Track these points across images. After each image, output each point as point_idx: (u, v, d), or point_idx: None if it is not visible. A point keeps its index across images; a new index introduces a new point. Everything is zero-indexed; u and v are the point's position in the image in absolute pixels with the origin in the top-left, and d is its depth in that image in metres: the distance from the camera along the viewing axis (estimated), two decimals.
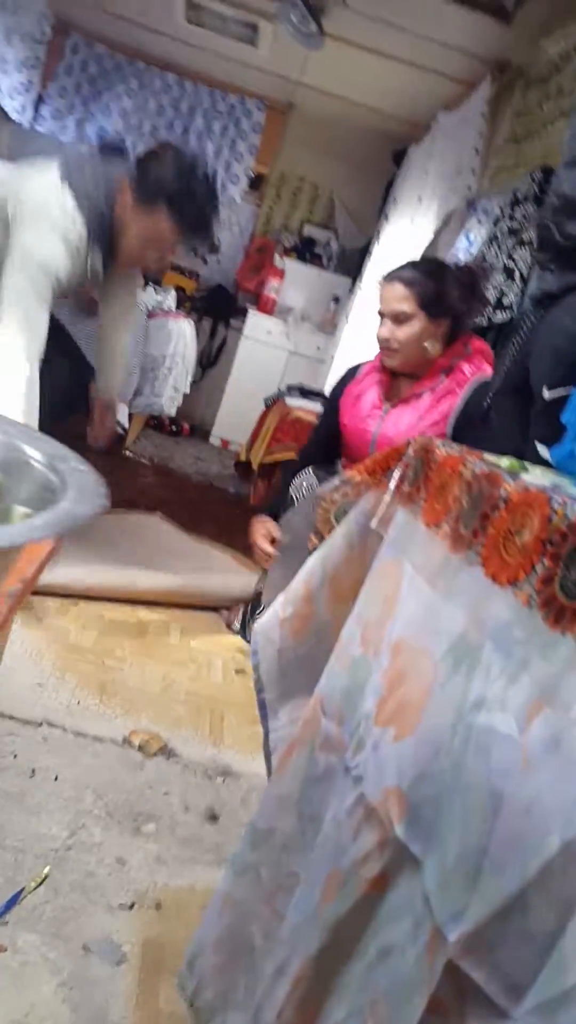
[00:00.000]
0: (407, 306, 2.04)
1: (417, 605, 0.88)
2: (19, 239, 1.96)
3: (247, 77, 5.30)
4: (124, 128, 5.60)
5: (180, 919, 1.38)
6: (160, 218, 2.03)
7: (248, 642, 2.42)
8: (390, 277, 2.09)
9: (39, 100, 5.55)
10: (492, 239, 2.94)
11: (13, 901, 1.30)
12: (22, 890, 1.32)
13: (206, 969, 1.06)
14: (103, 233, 2.06)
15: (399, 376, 2.18)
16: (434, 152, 4.28)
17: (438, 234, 3.72)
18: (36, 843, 1.44)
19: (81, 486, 0.49)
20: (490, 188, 3.45)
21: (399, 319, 2.06)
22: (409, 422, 2.11)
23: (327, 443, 2.32)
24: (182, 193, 2.01)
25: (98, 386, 2.50)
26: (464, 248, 3.34)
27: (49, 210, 1.97)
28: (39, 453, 0.55)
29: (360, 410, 2.22)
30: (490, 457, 0.95)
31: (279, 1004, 0.85)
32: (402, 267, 2.12)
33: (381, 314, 2.10)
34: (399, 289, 2.05)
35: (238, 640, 2.48)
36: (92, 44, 5.50)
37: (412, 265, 2.13)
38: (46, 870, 1.38)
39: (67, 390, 2.38)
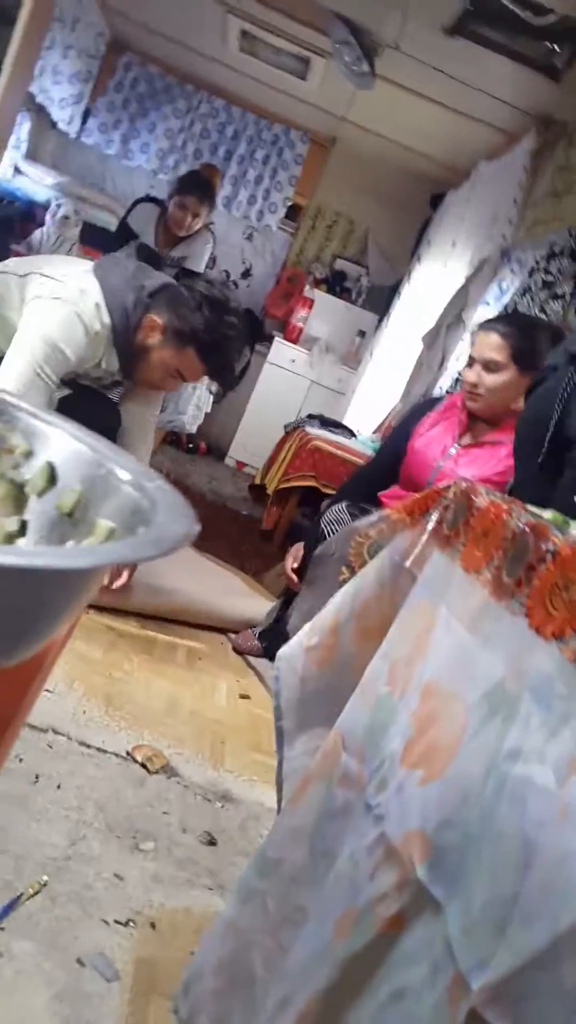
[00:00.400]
0: (500, 356, 2.12)
1: (451, 649, 0.89)
2: (33, 313, 1.95)
3: (293, 109, 5.40)
4: (168, 148, 5.69)
5: (174, 941, 1.37)
6: (188, 357, 2.07)
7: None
8: (487, 326, 2.18)
9: (87, 113, 5.64)
10: (526, 290, 2.98)
11: (10, 907, 1.29)
12: (20, 896, 1.32)
13: (202, 994, 1.06)
14: (125, 340, 2.06)
15: (476, 421, 2.26)
16: (472, 199, 4.35)
17: (470, 280, 3.76)
18: (36, 850, 1.44)
19: (170, 506, 0.50)
20: (526, 239, 3.50)
21: (490, 367, 2.13)
22: (476, 466, 2.18)
23: (387, 466, 2.38)
24: (212, 344, 2.05)
25: None
26: (495, 296, 3.39)
27: (72, 294, 1.97)
28: (124, 471, 0.56)
29: (432, 440, 2.29)
30: (533, 508, 0.96)
31: None
32: (499, 318, 2.24)
33: (472, 359, 2.18)
34: (495, 339, 2.13)
35: (243, 665, 2.48)
36: (144, 63, 5.61)
37: (509, 318, 2.24)
38: (45, 878, 1.38)
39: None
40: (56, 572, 0.39)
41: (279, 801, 1.18)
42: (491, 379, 2.14)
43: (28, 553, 0.37)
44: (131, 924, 1.37)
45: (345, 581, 1.16)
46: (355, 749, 0.98)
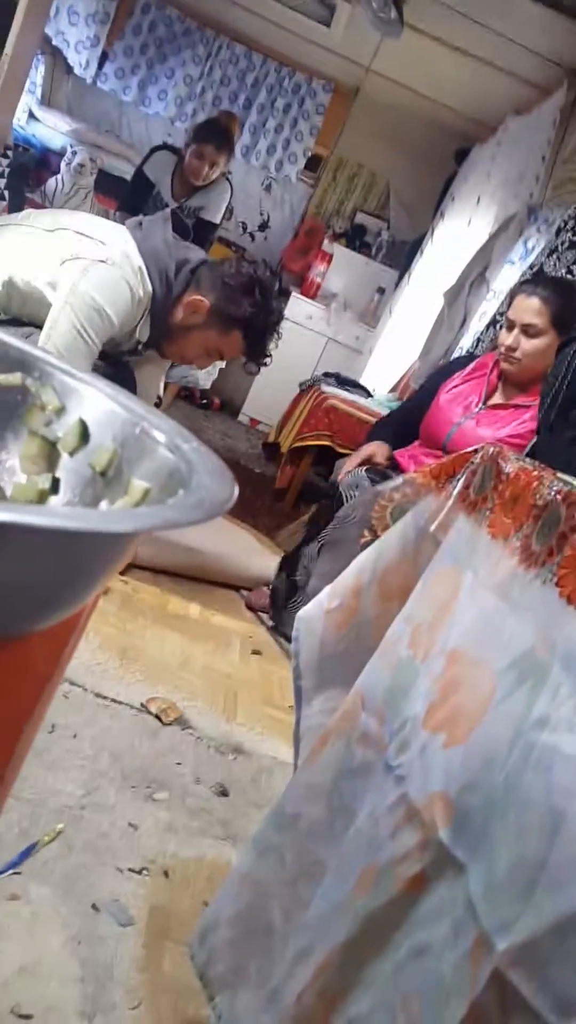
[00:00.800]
0: (540, 321, 2.11)
1: (478, 616, 0.89)
2: (76, 274, 1.86)
3: (316, 57, 5.26)
4: (186, 95, 5.56)
5: (187, 889, 1.40)
6: (233, 339, 2.05)
7: (271, 628, 2.46)
8: (527, 290, 2.16)
9: (104, 57, 5.51)
10: (552, 251, 2.92)
11: (27, 853, 1.32)
12: (36, 843, 1.35)
13: (219, 943, 1.08)
14: (163, 311, 2.01)
15: (507, 383, 2.26)
16: (499, 155, 4.25)
17: (494, 238, 3.69)
18: (52, 798, 1.46)
19: (209, 469, 0.49)
20: (553, 198, 3.42)
21: (529, 331, 2.13)
22: (496, 427, 2.20)
23: (409, 422, 2.39)
24: (260, 331, 2.04)
25: None
26: (521, 256, 3.33)
27: (117, 257, 1.90)
28: (159, 431, 0.55)
29: (457, 397, 2.30)
30: (564, 477, 0.95)
31: (299, 988, 0.87)
32: (539, 282, 2.22)
33: (511, 323, 2.17)
34: (535, 303, 2.12)
35: (255, 621, 2.49)
36: (163, 6, 5.46)
37: (549, 282, 2.24)
38: (60, 826, 1.40)
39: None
40: (98, 536, 0.38)
41: (295, 758, 1.20)
42: (529, 343, 2.14)
43: (71, 515, 0.36)
44: (145, 872, 1.40)
45: (367, 544, 1.16)
46: (374, 710, 0.99)
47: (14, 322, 1.95)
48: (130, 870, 1.39)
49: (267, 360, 2.17)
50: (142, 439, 0.55)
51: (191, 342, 2.06)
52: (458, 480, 1.06)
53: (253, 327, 2.02)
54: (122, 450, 0.56)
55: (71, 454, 0.56)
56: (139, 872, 1.39)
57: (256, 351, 2.12)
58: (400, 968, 0.77)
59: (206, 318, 2.01)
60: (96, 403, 0.59)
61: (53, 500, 0.55)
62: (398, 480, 1.15)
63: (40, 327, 1.88)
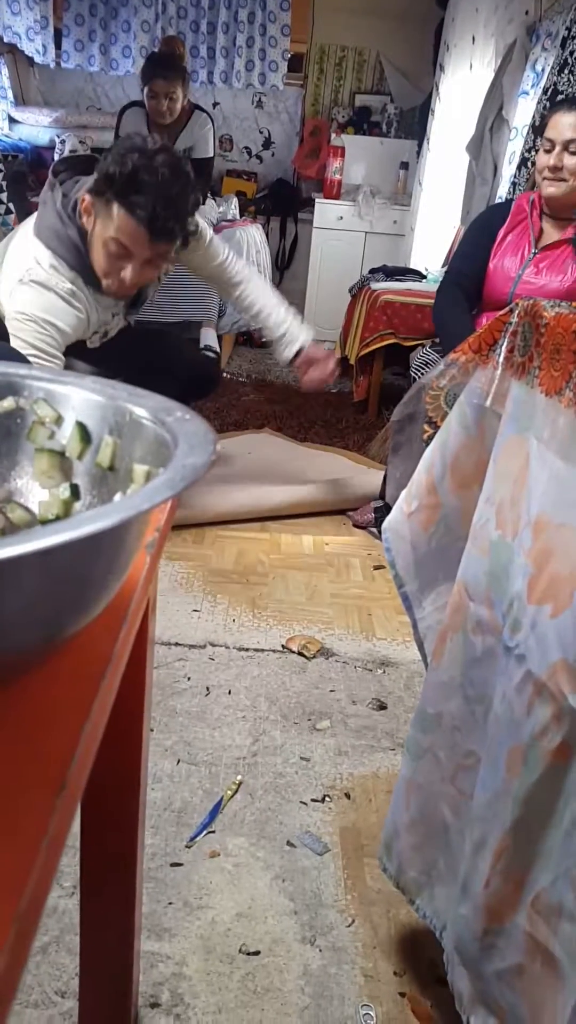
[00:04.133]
0: None
1: (551, 480, 0.86)
2: (6, 305, 1.89)
3: None
4: (148, 42, 5.38)
5: (370, 805, 1.46)
6: (116, 217, 1.77)
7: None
8: (565, 107, 2.10)
9: (58, 36, 5.37)
10: (563, 65, 2.70)
11: (215, 810, 1.41)
12: (221, 799, 1.43)
13: (403, 850, 1.13)
14: (86, 265, 1.89)
15: (553, 218, 2.21)
16: None
17: (501, 72, 3.44)
18: (224, 754, 1.55)
19: (190, 437, 0.50)
20: (551, 8, 3.14)
21: (570, 147, 2.08)
22: (555, 274, 2.15)
23: (472, 269, 2.32)
24: (126, 181, 1.74)
25: (281, 349, 2.34)
26: (532, 82, 3.09)
27: (25, 270, 1.87)
28: (144, 410, 0.56)
29: (507, 251, 2.25)
30: None
31: (484, 876, 0.90)
32: (574, 99, 2.16)
33: (551, 143, 2.11)
34: (575, 118, 2.05)
35: (369, 538, 2.50)
36: None
37: None
38: (239, 778, 1.48)
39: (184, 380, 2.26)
40: (69, 546, 0.38)
41: (424, 660, 1.21)
42: (573, 160, 2.08)
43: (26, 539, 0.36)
44: (327, 799, 1.47)
45: (430, 438, 1.14)
46: (481, 597, 0.99)
47: None
48: (313, 800, 1.46)
49: (181, 224, 1.85)
50: (132, 422, 0.56)
51: (95, 248, 1.85)
52: (500, 345, 1.03)
53: (118, 182, 1.74)
54: (120, 439, 0.57)
55: (79, 458, 0.58)
56: (322, 800, 1.46)
57: (149, 217, 1.75)
58: (568, 838, 0.78)
59: (92, 211, 1.82)
60: (84, 400, 0.60)
61: (76, 506, 0.57)
62: (441, 366, 1.12)
63: None
